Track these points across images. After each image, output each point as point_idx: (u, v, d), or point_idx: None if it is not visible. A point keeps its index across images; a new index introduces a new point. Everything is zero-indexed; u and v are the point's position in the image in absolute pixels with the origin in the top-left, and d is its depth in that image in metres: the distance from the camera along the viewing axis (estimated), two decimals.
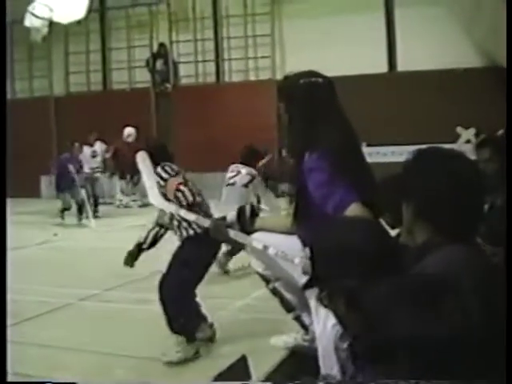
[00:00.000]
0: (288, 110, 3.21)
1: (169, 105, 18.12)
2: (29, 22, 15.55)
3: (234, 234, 3.37)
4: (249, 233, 3.44)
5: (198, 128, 17.21)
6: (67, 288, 7.34)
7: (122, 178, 16.49)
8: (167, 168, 5.17)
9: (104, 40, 19.51)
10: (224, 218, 3.52)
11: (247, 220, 3.49)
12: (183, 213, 3.87)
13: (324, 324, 3.06)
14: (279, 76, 17.57)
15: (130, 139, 16.33)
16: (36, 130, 18.29)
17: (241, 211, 3.55)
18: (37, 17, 15.32)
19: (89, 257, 9.72)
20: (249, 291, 6.51)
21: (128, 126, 16.40)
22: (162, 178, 5.07)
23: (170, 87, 18.66)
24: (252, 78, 18.30)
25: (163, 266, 5.08)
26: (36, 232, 12.37)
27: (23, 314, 6.40)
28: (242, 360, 3.32)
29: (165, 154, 5.39)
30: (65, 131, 18.06)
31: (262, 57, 18.08)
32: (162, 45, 18.66)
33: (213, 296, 5.99)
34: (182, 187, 4.97)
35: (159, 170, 5.13)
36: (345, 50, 15.99)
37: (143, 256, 5.33)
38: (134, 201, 16.46)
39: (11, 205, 15.14)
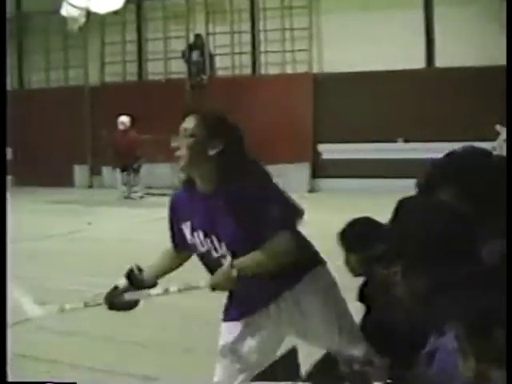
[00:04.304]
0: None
1: (204, 96, 18.04)
2: (65, 11, 15.61)
3: (128, 295, 3.27)
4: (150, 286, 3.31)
5: (232, 120, 17.06)
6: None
7: (124, 170, 15.99)
8: None
9: (140, 30, 19.46)
10: (116, 288, 3.31)
11: (139, 278, 3.32)
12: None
13: None
14: (316, 69, 17.49)
15: (121, 127, 15.89)
16: (70, 120, 18.31)
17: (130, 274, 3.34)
18: (74, 6, 15.38)
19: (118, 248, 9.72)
20: None
21: (122, 114, 15.98)
22: None
23: (206, 79, 18.57)
24: (288, 71, 18.13)
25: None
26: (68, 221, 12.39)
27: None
28: (292, 352, 3.29)
29: None
30: (99, 121, 18.09)
31: (299, 50, 17.90)
32: (198, 36, 18.57)
33: None
34: None
35: None
36: (382, 45, 15.79)
37: None
38: (134, 192, 16.07)
39: (45, 193, 15.28)
